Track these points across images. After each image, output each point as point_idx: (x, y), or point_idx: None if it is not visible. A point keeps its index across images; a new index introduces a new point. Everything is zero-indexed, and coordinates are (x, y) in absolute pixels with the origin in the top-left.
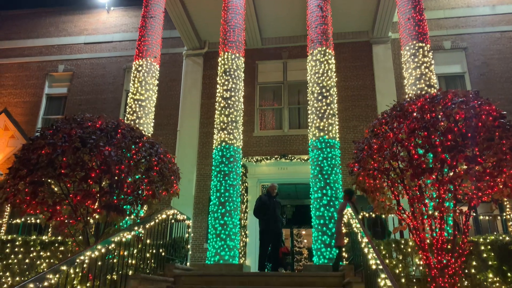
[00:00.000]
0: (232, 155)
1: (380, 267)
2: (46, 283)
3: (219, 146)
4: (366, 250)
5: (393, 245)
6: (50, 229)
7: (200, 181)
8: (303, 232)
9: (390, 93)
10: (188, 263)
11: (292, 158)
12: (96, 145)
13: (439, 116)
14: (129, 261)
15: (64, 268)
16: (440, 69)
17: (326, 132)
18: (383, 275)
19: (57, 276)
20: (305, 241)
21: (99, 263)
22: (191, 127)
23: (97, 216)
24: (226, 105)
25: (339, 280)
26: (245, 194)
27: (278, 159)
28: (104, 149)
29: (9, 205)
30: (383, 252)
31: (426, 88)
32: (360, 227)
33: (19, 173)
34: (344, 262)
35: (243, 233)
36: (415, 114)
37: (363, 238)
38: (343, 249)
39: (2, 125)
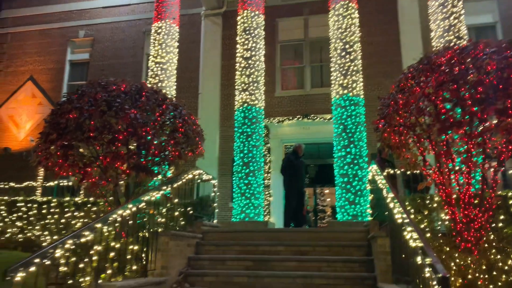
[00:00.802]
0: (254, 116)
1: (406, 220)
2: (83, 239)
3: (241, 108)
4: (391, 205)
5: (418, 201)
6: (82, 191)
7: (223, 143)
8: (326, 191)
9: (416, 47)
10: (215, 221)
11: (315, 117)
12: (121, 108)
13: (469, 68)
14: (159, 219)
15: (98, 225)
16: (469, 20)
17: (350, 89)
18: (409, 228)
19: (92, 234)
20: (328, 199)
21: (130, 222)
22: (212, 89)
23: (126, 177)
24: (247, 65)
25: (364, 235)
26: (268, 155)
27: (300, 119)
28: (129, 112)
29: (42, 168)
30: (408, 208)
31: (455, 40)
32: (385, 183)
33: (49, 137)
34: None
35: (267, 193)
36: (443, 67)
37: (389, 193)
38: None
39: (29, 93)
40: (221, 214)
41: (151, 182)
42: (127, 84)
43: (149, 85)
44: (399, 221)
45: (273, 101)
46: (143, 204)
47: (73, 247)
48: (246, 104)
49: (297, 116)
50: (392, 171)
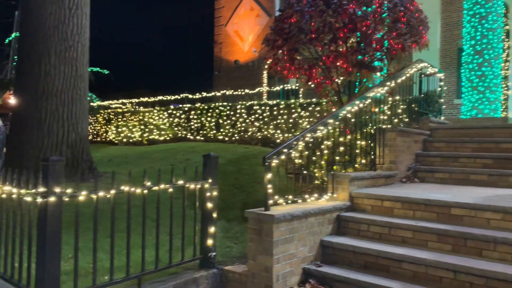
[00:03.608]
0: None
1: None
2: (318, 133)
3: None
4: None
5: None
6: (300, 94)
7: (445, 32)
8: None
9: None
10: (442, 118)
11: None
12: (339, 5)
13: None
14: (383, 116)
15: (330, 121)
16: None
17: None
18: None
19: (325, 129)
20: None
21: (354, 119)
22: None
23: (348, 75)
24: None
25: None
26: (506, 39)
27: None
28: (348, 7)
29: (273, 73)
30: None
31: None
32: None
33: (276, 44)
34: None
35: (504, 85)
36: None
37: None
38: None
39: (248, 6)
40: (445, 112)
41: (372, 80)
42: None
43: None
44: None
45: None
46: (369, 100)
47: (311, 140)
48: None
49: None
50: None
